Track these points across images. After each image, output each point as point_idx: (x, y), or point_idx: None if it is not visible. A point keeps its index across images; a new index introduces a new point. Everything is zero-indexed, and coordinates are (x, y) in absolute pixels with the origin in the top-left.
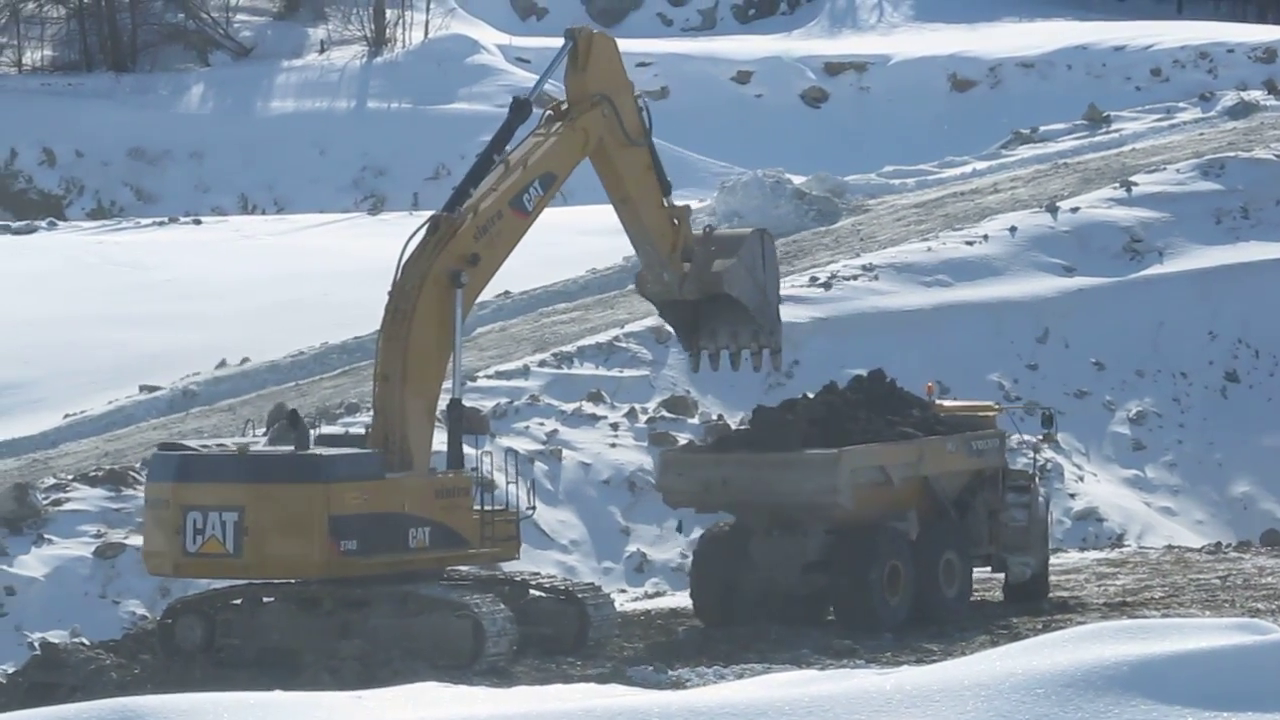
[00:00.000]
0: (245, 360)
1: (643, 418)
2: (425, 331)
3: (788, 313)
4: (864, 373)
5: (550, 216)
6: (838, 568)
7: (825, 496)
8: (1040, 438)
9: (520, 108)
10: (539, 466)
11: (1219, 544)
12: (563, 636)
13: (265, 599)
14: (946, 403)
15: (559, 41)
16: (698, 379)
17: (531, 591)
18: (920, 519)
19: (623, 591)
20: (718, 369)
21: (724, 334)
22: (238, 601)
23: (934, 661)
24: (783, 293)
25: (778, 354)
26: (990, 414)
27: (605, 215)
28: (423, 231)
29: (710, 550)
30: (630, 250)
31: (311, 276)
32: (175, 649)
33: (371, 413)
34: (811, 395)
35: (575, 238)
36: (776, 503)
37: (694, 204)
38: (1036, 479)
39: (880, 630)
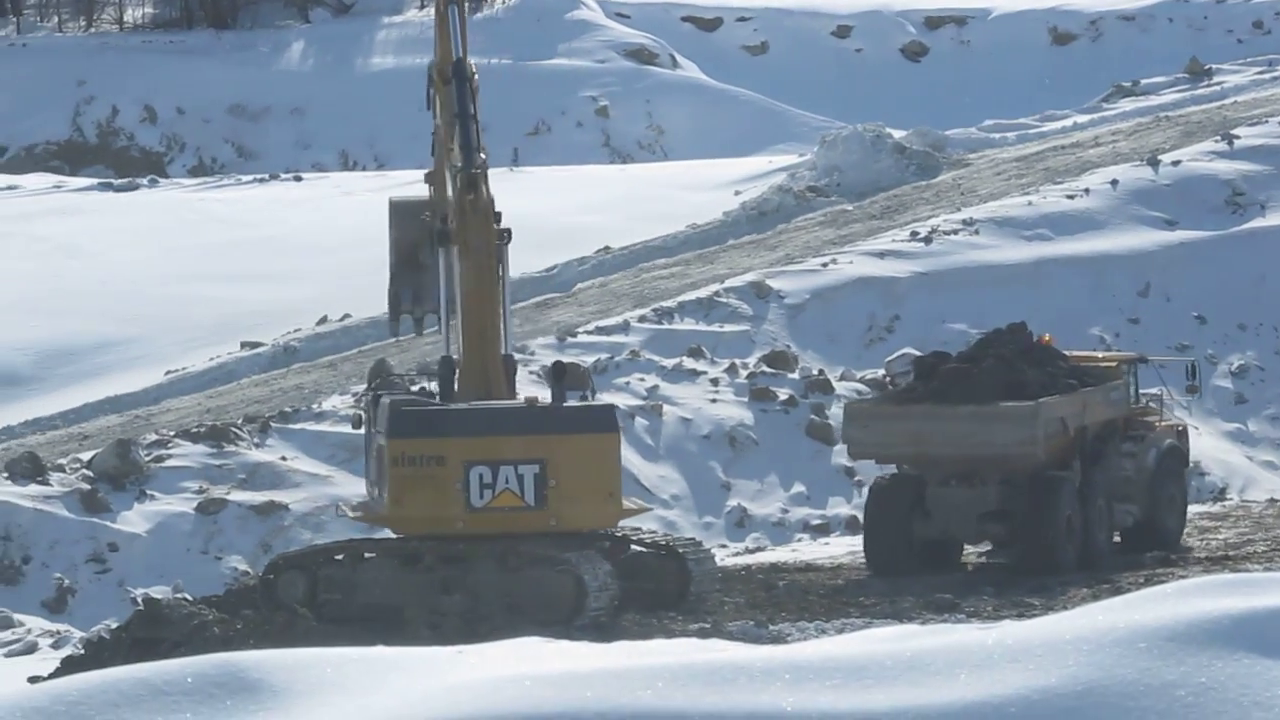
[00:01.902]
0: (346, 316)
1: (743, 373)
2: (498, 285)
3: (887, 267)
4: (1003, 326)
5: (650, 171)
6: (1020, 516)
7: (1022, 447)
8: (1187, 389)
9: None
10: (639, 422)
11: None
12: (664, 592)
13: (366, 554)
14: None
15: None
16: (799, 334)
17: (632, 547)
18: (1081, 467)
19: (723, 547)
20: (421, 333)
21: (432, 297)
22: (339, 557)
23: (1035, 616)
24: (884, 247)
25: None
26: (1112, 364)
27: (705, 170)
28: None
29: (883, 502)
30: (731, 204)
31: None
32: (277, 604)
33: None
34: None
35: (675, 192)
36: (965, 454)
37: (794, 158)
38: (1183, 430)
39: (1060, 573)
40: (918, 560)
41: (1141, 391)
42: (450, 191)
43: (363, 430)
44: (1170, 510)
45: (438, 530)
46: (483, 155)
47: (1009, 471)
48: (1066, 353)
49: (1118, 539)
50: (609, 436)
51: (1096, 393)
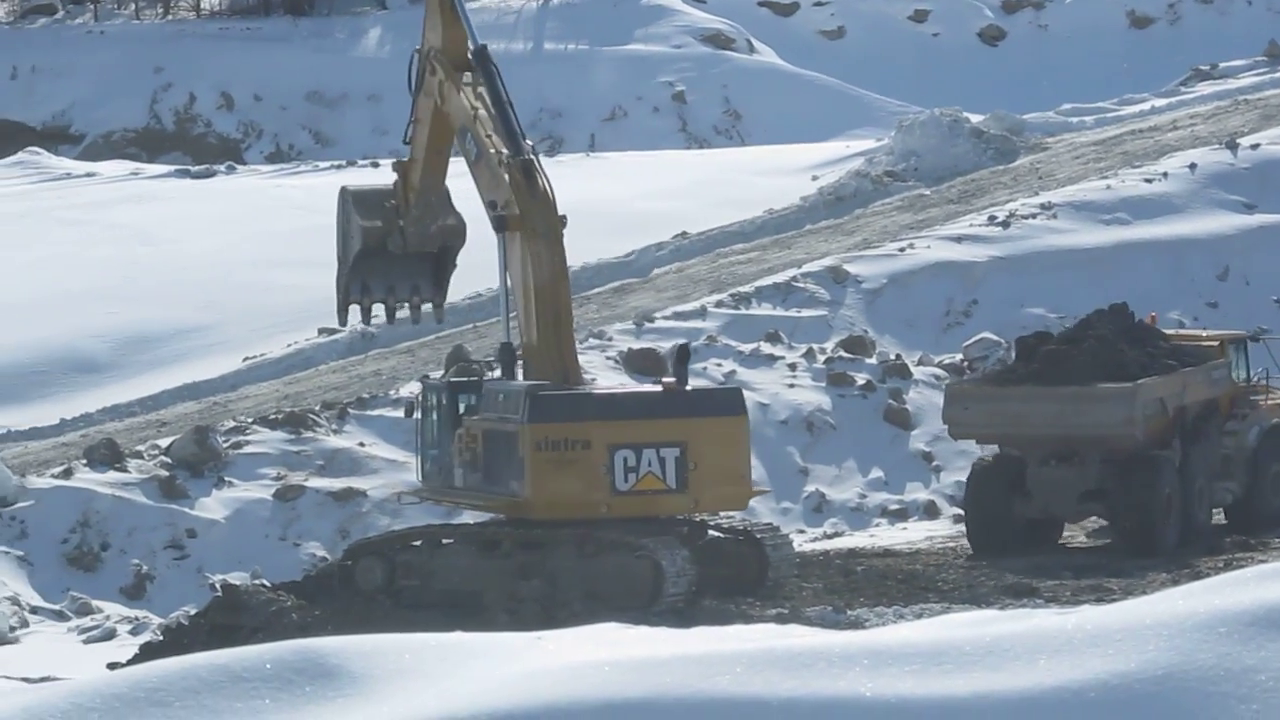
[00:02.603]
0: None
1: (820, 358)
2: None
3: (964, 251)
4: (1105, 307)
5: (727, 157)
6: (1120, 496)
7: (1121, 428)
8: None
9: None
10: None
11: None
12: (742, 577)
13: (444, 540)
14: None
15: None
16: (877, 319)
17: (710, 532)
18: (1181, 446)
19: (801, 532)
20: (369, 323)
21: (380, 288)
22: (417, 543)
23: (1114, 600)
24: (961, 231)
25: (439, 307)
26: (1212, 343)
27: (782, 155)
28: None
29: (984, 482)
30: (808, 189)
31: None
32: (355, 590)
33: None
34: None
35: (752, 178)
36: (1065, 434)
37: (871, 143)
38: None
39: (1157, 554)
40: (1019, 539)
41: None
42: (484, 180)
43: (415, 417)
44: (1273, 488)
45: (581, 514)
46: (529, 141)
47: (1108, 451)
48: (1170, 332)
49: (1220, 518)
50: (740, 419)
51: (1197, 372)
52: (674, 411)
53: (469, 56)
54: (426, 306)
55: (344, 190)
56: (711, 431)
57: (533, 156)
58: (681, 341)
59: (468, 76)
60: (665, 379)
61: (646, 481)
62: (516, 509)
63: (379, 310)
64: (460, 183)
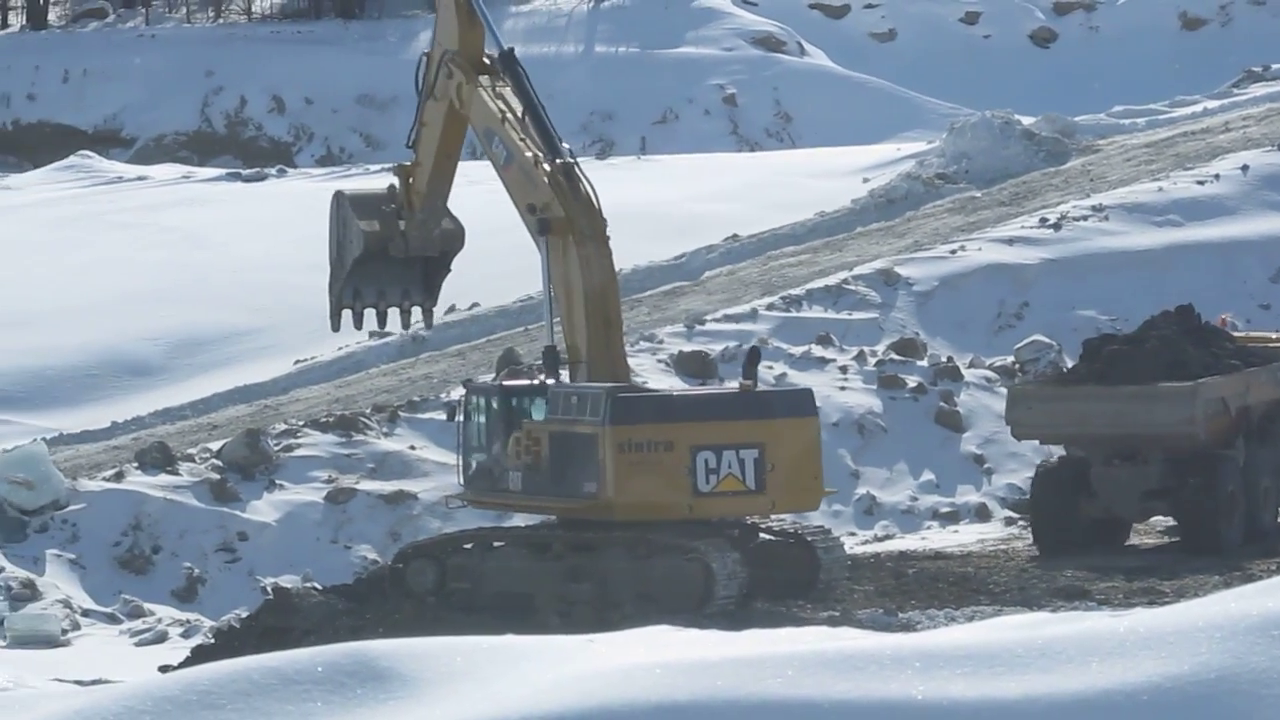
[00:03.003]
0: (475, 305)
1: (872, 360)
2: (616, 273)
3: (1016, 254)
4: (1171, 308)
5: (778, 159)
6: (1183, 495)
7: (1181, 427)
8: None
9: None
10: None
11: None
12: (793, 580)
13: (496, 543)
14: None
15: None
16: (928, 321)
17: (761, 535)
18: (1245, 446)
19: (852, 535)
20: (361, 327)
21: (371, 293)
22: (468, 546)
23: (1167, 603)
24: (1013, 234)
25: (429, 313)
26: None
27: (833, 157)
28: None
29: (1048, 482)
30: (859, 191)
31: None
32: (406, 593)
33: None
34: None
35: (803, 180)
36: (1127, 434)
37: (922, 145)
38: None
39: (1222, 552)
40: (1084, 539)
41: None
42: (518, 183)
43: (458, 420)
44: None
45: (663, 516)
46: (566, 144)
47: (1170, 450)
48: (1239, 334)
49: None
50: (812, 420)
51: (1261, 372)
52: (751, 413)
53: (485, 59)
54: (416, 311)
55: (340, 194)
56: (787, 433)
57: (572, 160)
58: (753, 344)
59: (485, 79)
60: (745, 382)
61: (727, 483)
62: (595, 511)
63: (368, 314)
64: (456, 189)
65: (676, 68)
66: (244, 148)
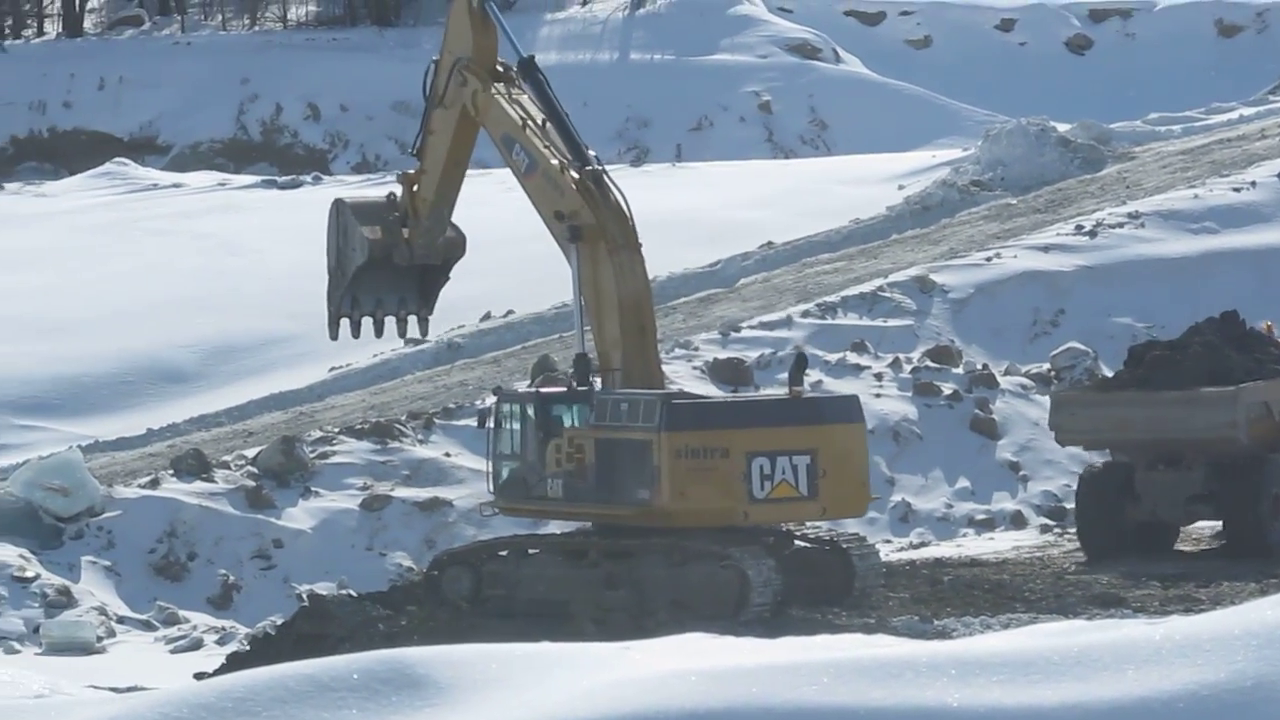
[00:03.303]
0: (510, 312)
1: (907, 367)
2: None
3: (1052, 261)
4: (1216, 315)
5: (813, 166)
6: (1227, 499)
7: (1224, 431)
8: None
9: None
10: None
11: None
12: (828, 587)
13: (531, 550)
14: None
15: None
16: (963, 328)
17: (796, 542)
18: None
19: (887, 542)
20: (358, 336)
21: (368, 301)
22: (503, 553)
23: (1203, 611)
24: (1048, 241)
25: (425, 321)
26: None
27: (868, 165)
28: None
29: (1093, 488)
30: (894, 198)
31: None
32: (442, 600)
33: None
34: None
35: (838, 187)
36: (1169, 439)
37: (958, 152)
38: None
39: (1269, 555)
40: (1130, 544)
41: None
42: (543, 191)
43: (488, 427)
44: None
45: (720, 522)
46: (592, 151)
47: (1213, 455)
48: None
49: None
50: (860, 426)
51: None
52: (804, 419)
53: (499, 66)
54: (410, 320)
55: (340, 202)
56: (836, 438)
57: (600, 167)
58: (799, 350)
59: (500, 86)
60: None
61: (781, 489)
62: (649, 518)
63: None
64: (489, 195)
65: (712, 75)
66: (279, 155)
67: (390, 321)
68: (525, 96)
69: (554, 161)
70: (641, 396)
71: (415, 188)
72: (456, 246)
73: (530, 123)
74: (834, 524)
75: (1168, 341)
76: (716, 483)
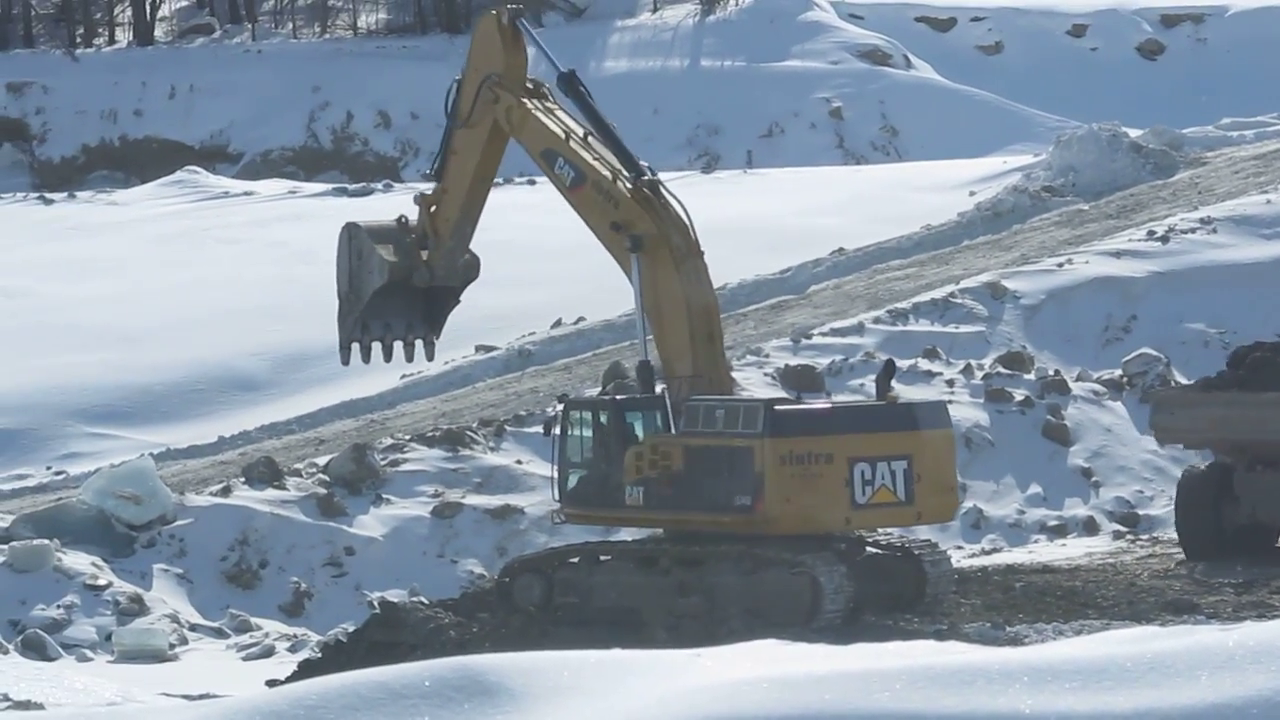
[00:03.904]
0: (581, 319)
1: (979, 374)
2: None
3: (1124, 266)
4: None
5: (884, 173)
6: None
7: None
8: None
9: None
10: None
11: None
12: (901, 593)
13: (602, 557)
14: None
15: None
16: (1035, 335)
17: (868, 549)
18: None
19: (959, 548)
20: (369, 361)
21: (377, 326)
22: (575, 560)
23: (1276, 617)
24: (1120, 247)
25: (432, 345)
26: None
27: (940, 171)
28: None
29: (1194, 489)
30: (966, 205)
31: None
32: (513, 607)
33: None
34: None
35: (910, 193)
36: (1270, 440)
37: (1029, 159)
38: None
39: None
40: (1231, 546)
41: None
42: (593, 204)
43: (554, 434)
44: None
45: (822, 529)
46: (644, 162)
47: None
48: None
49: None
50: (949, 432)
51: None
52: (900, 424)
53: (529, 84)
54: (417, 345)
55: (354, 225)
56: (930, 444)
57: (656, 177)
58: (887, 357)
59: (534, 101)
60: (891, 394)
61: (881, 494)
62: (750, 525)
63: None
64: (552, 205)
65: (782, 81)
66: (350, 163)
67: (398, 347)
68: (562, 110)
69: (604, 172)
70: (741, 403)
71: (434, 209)
72: (473, 269)
73: (573, 135)
74: (904, 530)
75: (1270, 343)
76: (820, 489)
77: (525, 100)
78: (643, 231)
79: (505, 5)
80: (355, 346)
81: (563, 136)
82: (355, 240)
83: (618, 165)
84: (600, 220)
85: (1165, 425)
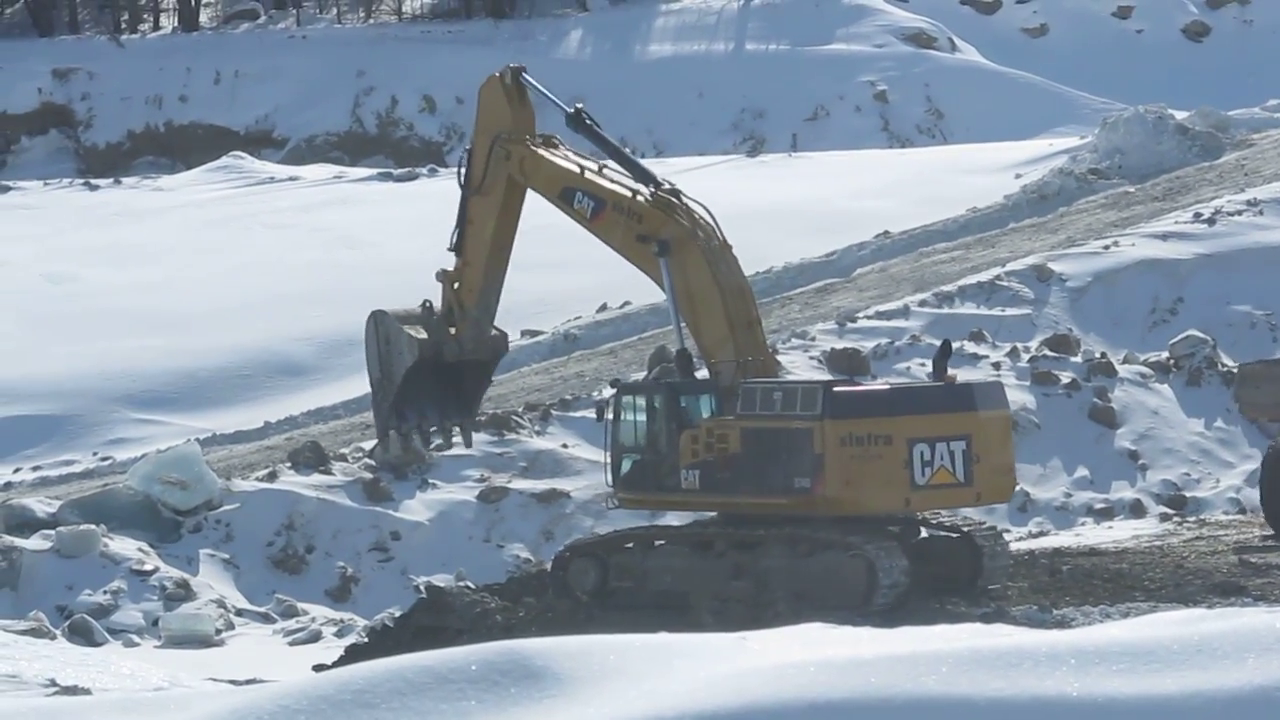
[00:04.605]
0: (626, 304)
1: (1025, 356)
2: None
3: (1170, 249)
4: None
5: (929, 155)
6: None
7: None
8: None
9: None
10: None
11: None
12: (955, 576)
13: (657, 541)
14: None
15: None
16: (1081, 317)
17: (923, 531)
18: None
19: (1006, 531)
20: (409, 449)
21: (413, 414)
22: (629, 545)
23: None
24: (1166, 229)
25: (468, 429)
26: None
27: (985, 154)
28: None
29: (1278, 465)
30: (1011, 187)
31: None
32: (567, 593)
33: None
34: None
35: (955, 176)
36: None
37: (1075, 141)
38: None
39: None
40: None
41: None
42: (618, 225)
43: (606, 419)
44: None
45: (883, 510)
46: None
47: None
48: None
49: None
50: (1006, 413)
51: None
52: (958, 405)
53: (538, 134)
54: (454, 430)
55: (380, 312)
56: (988, 424)
57: (671, 185)
58: (943, 338)
59: (543, 150)
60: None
61: (940, 475)
62: (810, 506)
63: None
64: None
65: (828, 65)
66: (395, 148)
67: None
68: (574, 151)
69: (623, 192)
70: (799, 385)
71: (456, 285)
72: (502, 343)
73: (587, 168)
74: (953, 512)
75: None
76: (880, 470)
77: (537, 148)
78: (669, 235)
79: (507, 67)
80: (393, 434)
81: (577, 171)
82: (382, 326)
83: (635, 184)
84: (625, 238)
85: (1248, 399)
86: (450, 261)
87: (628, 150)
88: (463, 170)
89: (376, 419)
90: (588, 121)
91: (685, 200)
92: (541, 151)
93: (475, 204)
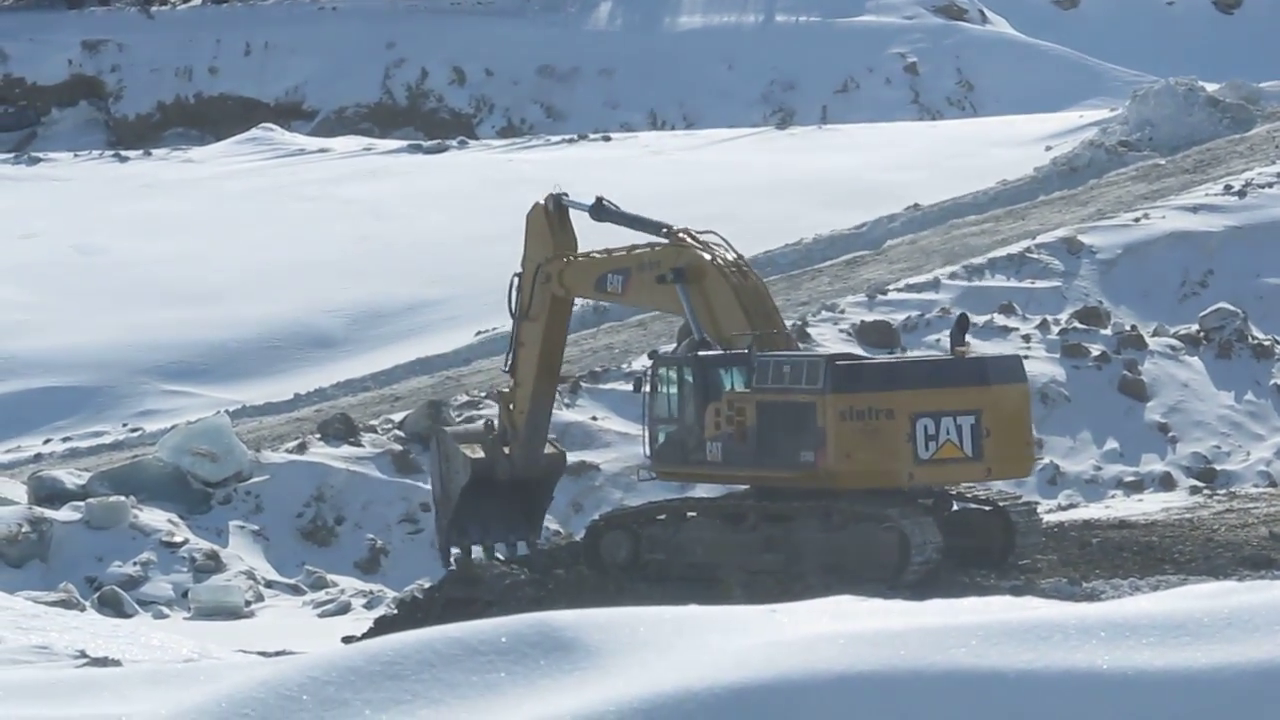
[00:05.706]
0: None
1: (1054, 329)
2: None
3: (1200, 221)
4: None
5: (959, 128)
6: None
7: None
8: None
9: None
10: None
11: None
12: (988, 549)
13: (689, 514)
14: None
15: None
16: (1111, 290)
17: (955, 503)
18: None
19: (1036, 503)
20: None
21: (475, 530)
22: (661, 517)
23: None
24: (1197, 201)
25: (534, 546)
26: None
27: (1016, 126)
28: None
29: None
30: (1041, 159)
31: (721, 191)
32: (600, 565)
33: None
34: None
35: (985, 148)
36: None
37: (1105, 113)
38: None
39: None
40: None
41: None
42: (644, 284)
43: (644, 391)
44: None
45: (885, 484)
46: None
47: None
48: None
49: None
50: (1024, 387)
51: None
52: (968, 379)
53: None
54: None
55: (441, 431)
56: (1001, 399)
57: (679, 229)
58: (961, 312)
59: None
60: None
61: (946, 450)
62: (814, 480)
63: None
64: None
65: (857, 37)
66: (425, 119)
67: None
68: (616, 222)
69: (640, 253)
70: (804, 358)
71: (511, 406)
72: (558, 462)
73: (612, 253)
74: (985, 486)
75: None
76: (882, 444)
77: (568, 258)
78: (683, 263)
79: (549, 195)
80: (455, 551)
81: (605, 260)
82: (442, 445)
83: (652, 239)
84: (651, 290)
85: None
86: (506, 382)
87: (645, 215)
88: (512, 296)
89: (438, 536)
90: (610, 206)
91: (695, 234)
92: (571, 258)
93: (525, 328)
